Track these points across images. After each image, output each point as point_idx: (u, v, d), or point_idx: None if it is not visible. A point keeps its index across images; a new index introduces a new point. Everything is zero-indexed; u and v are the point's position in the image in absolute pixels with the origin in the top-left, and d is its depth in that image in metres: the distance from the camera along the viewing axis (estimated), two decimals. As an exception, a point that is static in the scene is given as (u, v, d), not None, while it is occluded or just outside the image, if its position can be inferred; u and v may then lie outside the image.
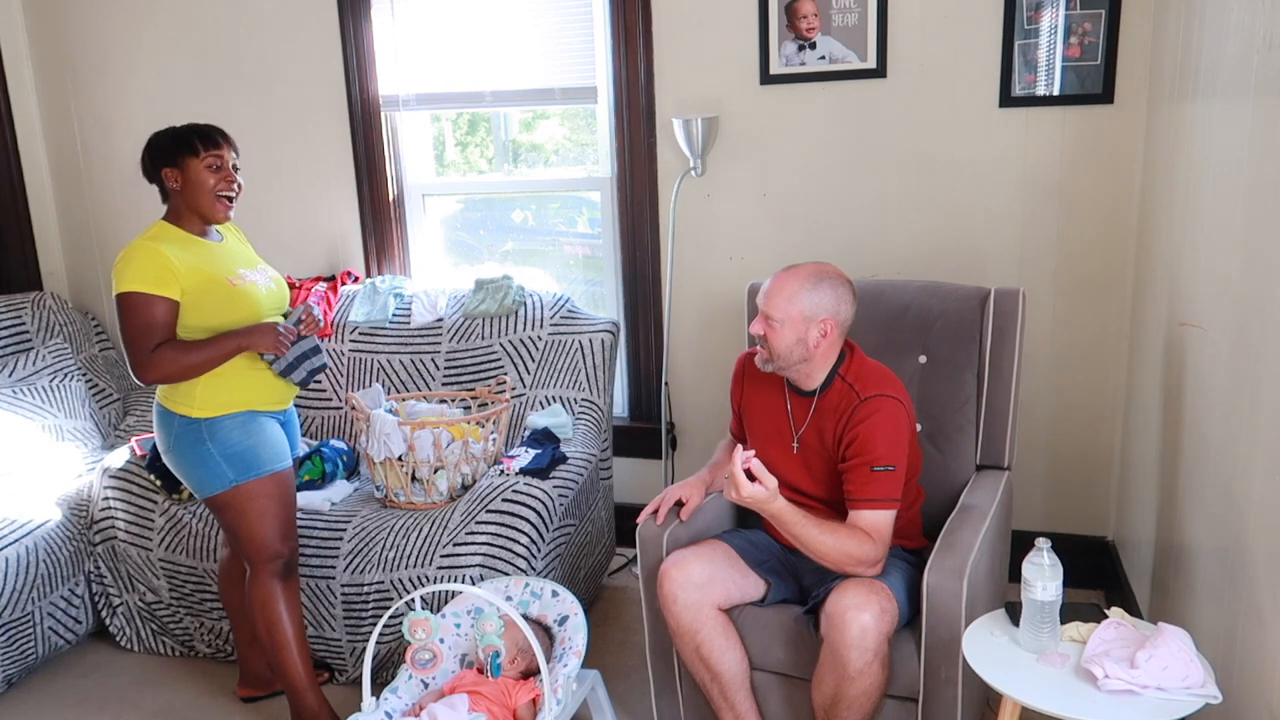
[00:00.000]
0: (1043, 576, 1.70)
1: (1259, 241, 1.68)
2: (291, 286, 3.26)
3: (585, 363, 3.09)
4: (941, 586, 1.95)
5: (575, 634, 2.22)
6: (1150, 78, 2.71)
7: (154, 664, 2.94)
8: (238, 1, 3.43)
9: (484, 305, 3.18)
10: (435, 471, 2.75)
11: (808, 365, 2.13)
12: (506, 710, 2.11)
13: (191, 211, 2.32)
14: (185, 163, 2.28)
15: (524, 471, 2.68)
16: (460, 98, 3.39)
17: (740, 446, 2.03)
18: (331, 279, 3.46)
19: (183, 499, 2.84)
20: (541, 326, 3.14)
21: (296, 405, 2.74)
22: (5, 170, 3.65)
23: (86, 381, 3.42)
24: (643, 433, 3.40)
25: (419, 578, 2.57)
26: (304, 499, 2.74)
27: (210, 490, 2.33)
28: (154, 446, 2.85)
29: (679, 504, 2.30)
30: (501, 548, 2.53)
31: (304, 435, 3.19)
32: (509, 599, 2.33)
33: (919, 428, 2.45)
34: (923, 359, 2.50)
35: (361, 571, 2.62)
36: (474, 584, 2.44)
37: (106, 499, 2.90)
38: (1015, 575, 1.83)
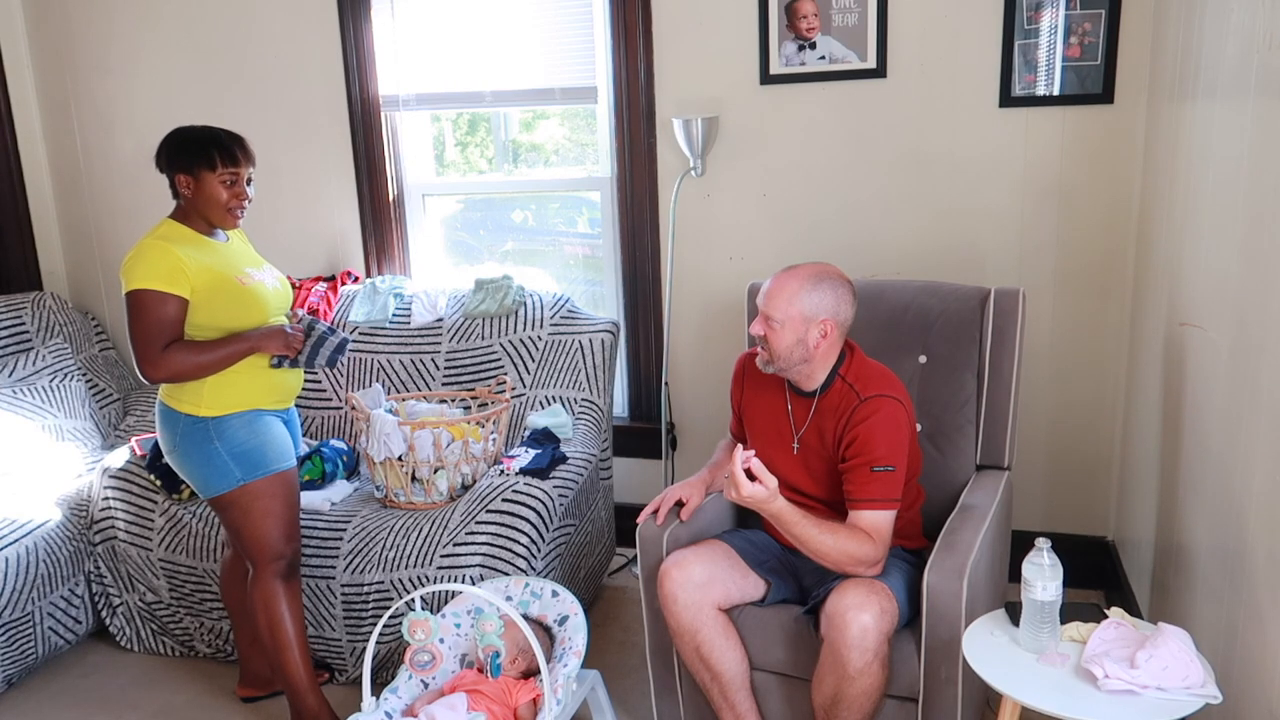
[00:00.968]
0: (1043, 576, 1.70)
1: (1259, 241, 1.68)
2: (292, 286, 3.26)
3: (585, 363, 3.09)
4: (941, 586, 1.95)
5: (575, 634, 2.22)
6: (1150, 78, 2.71)
7: (154, 664, 2.94)
8: (238, 2, 3.43)
9: (484, 305, 3.18)
10: (435, 471, 2.75)
11: (808, 366, 2.13)
12: (507, 710, 2.11)
13: (198, 216, 2.32)
14: (201, 174, 2.27)
15: (524, 471, 2.68)
16: (460, 98, 3.39)
17: (740, 446, 2.03)
18: (331, 279, 3.46)
19: (183, 499, 2.84)
20: (541, 326, 3.14)
21: (297, 405, 2.74)
22: (5, 170, 3.65)
23: (86, 381, 3.42)
24: (643, 433, 3.40)
25: (419, 578, 2.57)
26: (304, 499, 2.73)
27: (217, 489, 2.33)
28: (154, 446, 2.85)
29: (679, 504, 2.30)
30: (501, 548, 2.53)
31: (304, 435, 3.19)
32: (509, 599, 2.33)
33: (919, 428, 2.45)
34: (923, 359, 2.50)
35: (361, 571, 2.62)
36: (474, 584, 2.44)
37: (106, 499, 2.90)
38: (1015, 575, 1.83)
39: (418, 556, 2.58)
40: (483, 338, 3.18)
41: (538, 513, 2.58)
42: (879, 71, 2.92)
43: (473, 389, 3.08)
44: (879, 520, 2.04)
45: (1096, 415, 2.99)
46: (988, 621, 1.86)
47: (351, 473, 3.05)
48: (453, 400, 3.04)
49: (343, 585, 2.64)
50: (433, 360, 3.21)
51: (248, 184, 2.33)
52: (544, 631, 2.29)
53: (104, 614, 2.99)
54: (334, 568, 2.64)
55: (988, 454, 2.47)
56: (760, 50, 3.00)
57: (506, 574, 2.50)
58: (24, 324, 3.36)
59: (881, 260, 3.02)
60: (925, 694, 2.03)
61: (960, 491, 2.36)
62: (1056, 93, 2.80)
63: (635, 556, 2.35)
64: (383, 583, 2.60)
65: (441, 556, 2.56)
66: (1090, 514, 3.06)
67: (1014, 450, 2.49)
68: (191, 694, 2.79)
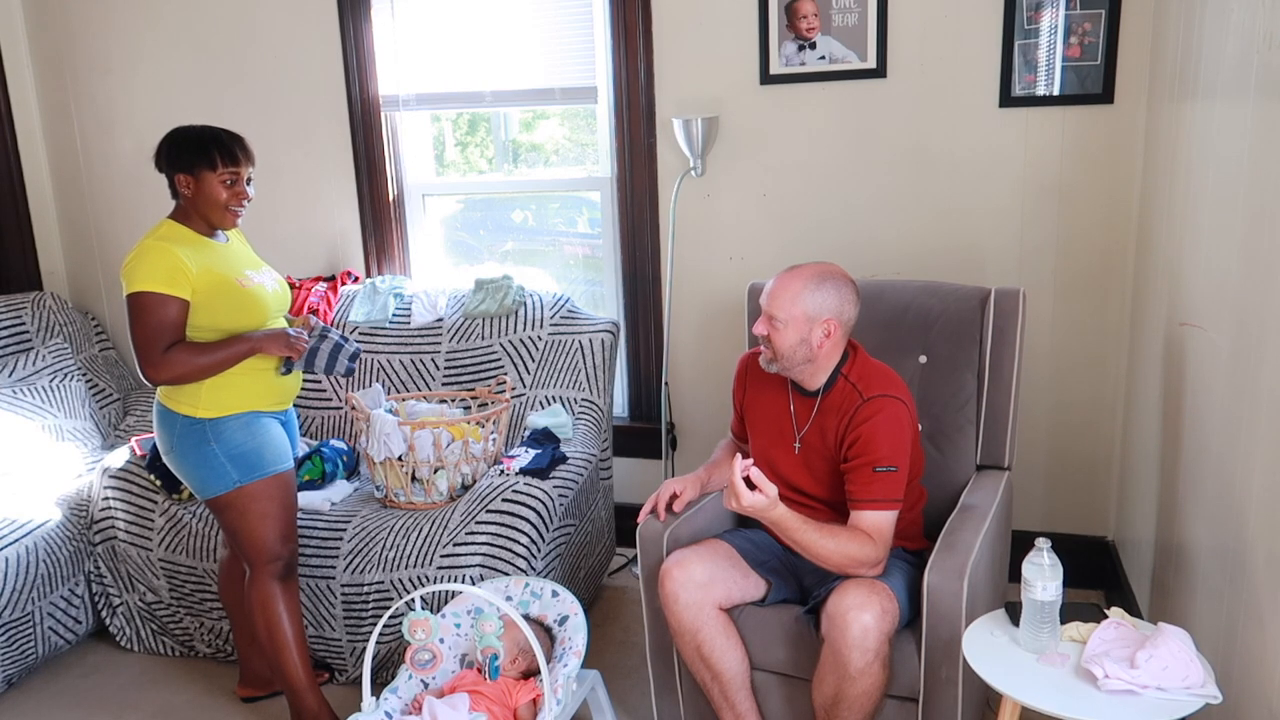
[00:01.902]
0: (1043, 576, 1.70)
1: (1259, 241, 1.68)
2: (291, 286, 3.26)
3: (585, 363, 3.09)
4: (942, 586, 1.95)
5: (575, 634, 2.22)
6: (1150, 78, 2.71)
7: (154, 664, 2.94)
8: (238, 2, 3.43)
9: (484, 305, 3.18)
10: (435, 471, 2.75)
11: (811, 365, 2.13)
12: (507, 710, 2.11)
13: (198, 216, 2.32)
14: (201, 174, 2.27)
15: (524, 471, 2.68)
16: (460, 98, 3.39)
17: (739, 455, 2.03)
18: (331, 279, 3.46)
19: (183, 499, 2.84)
20: (541, 326, 3.14)
21: (296, 405, 2.74)
22: (5, 170, 3.65)
23: (86, 381, 3.42)
24: (643, 433, 3.40)
25: (419, 578, 2.57)
26: (304, 499, 2.74)
27: (213, 491, 2.33)
28: (154, 446, 2.85)
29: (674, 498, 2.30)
30: (501, 548, 2.53)
31: (304, 435, 3.19)
32: (509, 599, 2.33)
33: (920, 428, 2.45)
34: (923, 359, 2.50)
35: (361, 571, 2.62)
36: (474, 584, 2.44)
37: (106, 499, 2.90)
38: (1015, 575, 1.83)
39: (418, 556, 2.58)
40: (483, 338, 3.18)
41: (538, 513, 2.58)
42: (879, 71, 2.92)
43: (473, 389, 3.08)
44: (881, 520, 2.04)
45: (1096, 415, 2.99)
46: (988, 621, 1.86)
47: (351, 473, 3.05)
48: (453, 400, 3.04)
49: (343, 585, 2.64)
50: (433, 360, 3.21)
51: (248, 184, 2.33)
52: (544, 631, 2.29)
53: (104, 614, 2.99)
54: (334, 568, 2.64)
55: (988, 454, 2.47)
56: (760, 50, 3.00)
57: (506, 574, 2.50)
58: (24, 324, 3.36)
59: (881, 260, 3.02)
60: (925, 694, 2.03)
61: (960, 491, 2.36)
62: (1056, 93, 2.80)
63: (635, 556, 2.35)
64: (383, 583, 2.60)
65: (441, 556, 2.56)
66: (1090, 514, 3.06)
67: (1014, 450, 2.49)
68: (191, 694, 2.79)
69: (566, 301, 3.19)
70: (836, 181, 3.05)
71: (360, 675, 2.50)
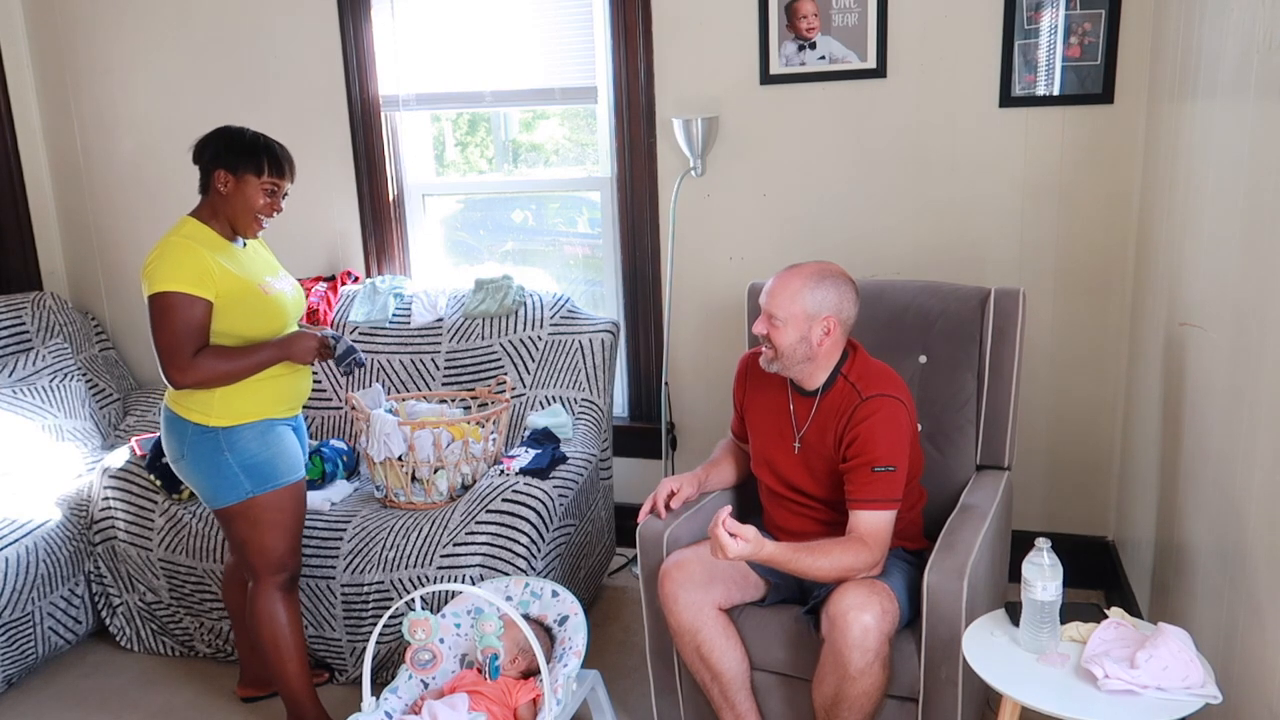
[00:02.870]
0: (1043, 576, 1.70)
1: (1259, 241, 1.68)
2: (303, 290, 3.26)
3: (585, 363, 3.09)
4: (941, 586, 1.95)
5: (575, 634, 2.22)
6: (1150, 78, 2.71)
7: (154, 664, 2.94)
8: (238, 2, 3.43)
9: (484, 305, 3.18)
10: (435, 471, 2.75)
11: (811, 364, 2.13)
12: (507, 710, 2.11)
13: (225, 218, 2.26)
14: (244, 175, 2.21)
15: (524, 471, 2.68)
16: (460, 98, 3.39)
17: (721, 509, 1.96)
18: (331, 279, 3.46)
19: (183, 499, 2.84)
20: (541, 326, 3.14)
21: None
22: (5, 170, 3.65)
23: (86, 381, 3.42)
24: (643, 433, 3.40)
25: (419, 578, 2.57)
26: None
27: (224, 501, 2.28)
28: (154, 446, 2.85)
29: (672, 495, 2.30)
30: (501, 548, 2.53)
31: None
32: (509, 599, 2.33)
33: (919, 427, 2.45)
34: (923, 359, 2.50)
35: (361, 571, 2.62)
36: (474, 584, 2.44)
37: (106, 499, 2.90)
38: (1015, 575, 1.83)
39: (418, 556, 2.58)
40: (483, 338, 3.18)
41: (538, 513, 2.58)
42: (879, 71, 2.92)
43: (473, 389, 3.08)
44: (879, 521, 2.04)
45: (1096, 415, 2.99)
46: (988, 621, 1.86)
47: (351, 473, 3.05)
48: (453, 400, 3.04)
49: (343, 585, 2.64)
50: (433, 360, 3.21)
51: (283, 198, 2.30)
52: (544, 631, 2.29)
53: (104, 614, 2.99)
54: (334, 568, 2.64)
55: (988, 454, 2.47)
56: (760, 50, 3.00)
57: (506, 574, 2.50)
58: (24, 324, 3.36)
59: (881, 260, 3.02)
60: (925, 694, 2.03)
61: (960, 491, 2.36)
62: (1056, 93, 2.80)
63: (635, 556, 2.35)
64: (383, 583, 2.60)
65: (441, 556, 2.56)
66: (1090, 514, 3.06)
67: (1014, 450, 2.49)
68: (191, 694, 2.79)
69: (566, 301, 3.19)
70: (836, 181, 3.05)
71: (360, 675, 2.50)
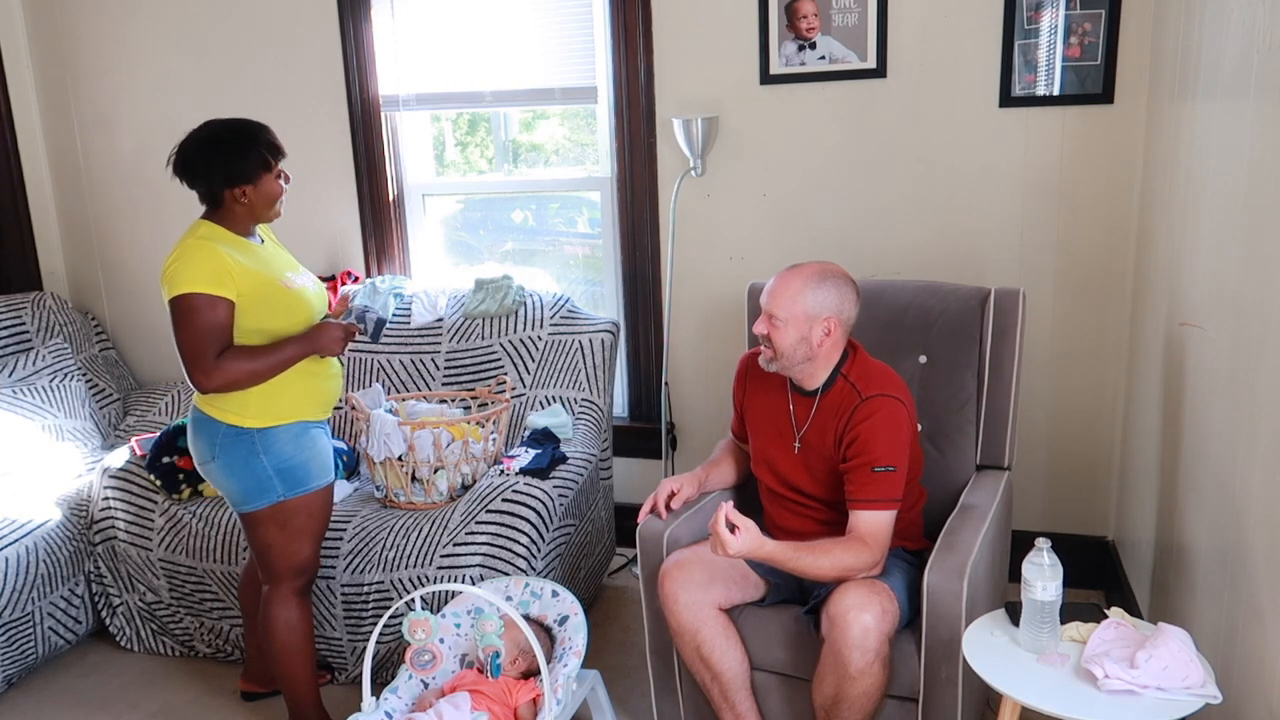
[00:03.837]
0: (1043, 576, 1.70)
1: (1259, 241, 1.68)
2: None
3: (585, 363, 3.09)
4: (941, 586, 1.95)
5: (575, 634, 2.22)
6: (1150, 78, 2.71)
7: (154, 664, 2.94)
8: (238, 2, 3.43)
9: (484, 305, 3.18)
10: (435, 471, 2.75)
11: (811, 364, 2.13)
12: (507, 710, 2.11)
13: (248, 215, 2.21)
14: (259, 178, 2.18)
15: (524, 471, 2.68)
16: (460, 98, 3.39)
17: (722, 504, 1.99)
18: (331, 279, 3.46)
19: (183, 499, 2.84)
20: (541, 326, 3.14)
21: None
22: (5, 170, 3.65)
23: (86, 381, 3.42)
24: (643, 433, 3.40)
25: (419, 578, 2.57)
26: (304, 499, 2.73)
27: (255, 504, 2.23)
28: (154, 446, 2.85)
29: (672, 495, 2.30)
30: (501, 548, 2.53)
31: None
32: (509, 599, 2.33)
33: (919, 428, 2.45)
34: (923, 359, 2.50)
35: (361, 571, 2.62)
36: (474, 584, 2.44)
37: (106, 499, 2.90)
38: (1015, 575, 1.83)
39: (418, 556, 2.58)
40: (483, 338, 3.18)
41: (538, 513, 2.58)
42: (879, 71, 2.92)
43: (473, 389, 3.08)
44: (879, 521, 2.04)
45: (1097, 415, 2.99)
46: (988, 621, 1.86)
47: (351, 473, 3.05)
48: (453, 400, 3.04)
49: (343, 585, 2.64)
50: (433, 360, 3.21)
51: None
52: (544, 631, 2.29)
53: (104, 614, 2.99)
54: (334, 568, 2.64)
55: (988, 454, 2.47)
56: (760, 50, 3.00)
57: (506, 574, 2.50)
58: (24, 324, 3.36)
59: (881, 260, 3.02)
60: (925, 694, 2.03)
61: (960, 491, 2.36)
62: (1056, 93, 2.80)
63: (635, 556, 2.35)
64: (383, 583, 2.60)
65: (441, 556, 2.56)
66: (1090, 514, 3.06)
67: (1014, 450, 2.49)
68: (191, 694, 2.79)
69: (566, 301, 3.19)
70: (836, 181, 3.05)
71: (360, 675, 2.50)
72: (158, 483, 2.85)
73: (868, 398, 2.09)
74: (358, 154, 3.44)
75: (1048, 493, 3.07)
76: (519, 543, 2.54)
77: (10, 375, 3.20)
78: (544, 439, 2.85)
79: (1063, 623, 1.76)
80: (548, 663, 2.15)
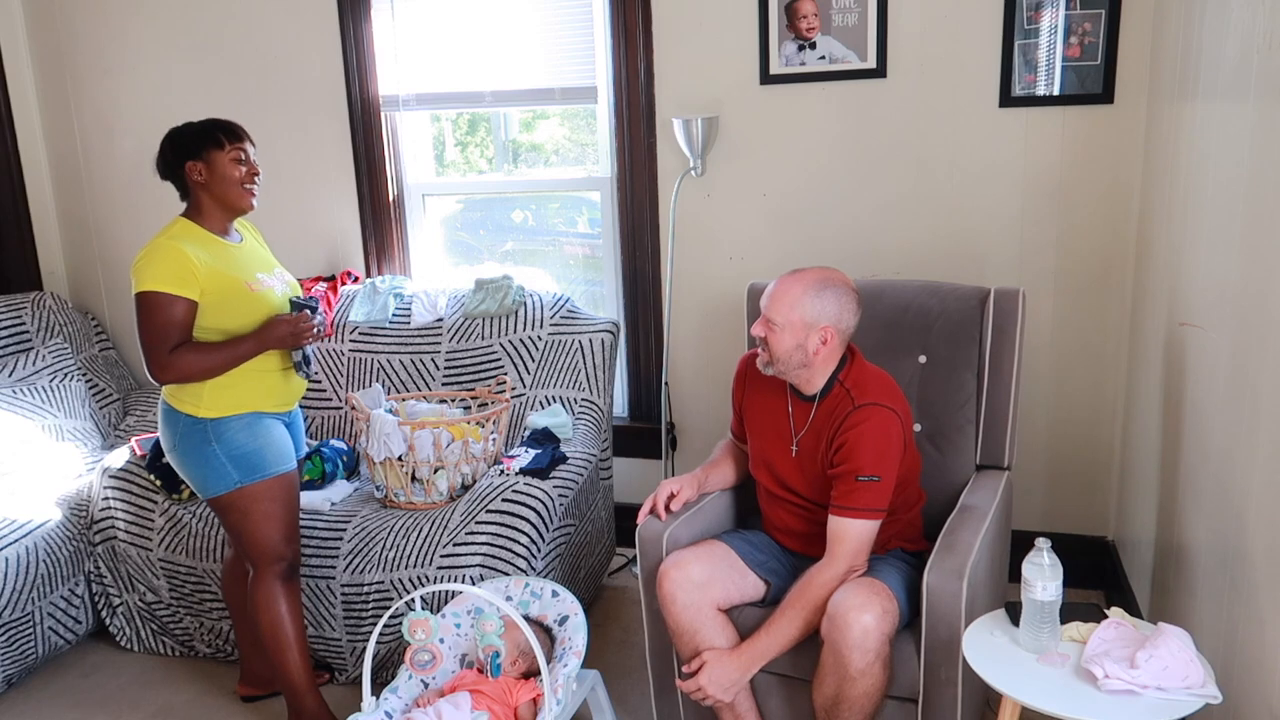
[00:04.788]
0: (1043, 576, 1.70)
1: (1259, 241, 1.68)
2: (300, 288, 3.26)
3: (585, 363, 3.09)
4: (941, 587, 1.95)
5: (575, 634, 2.22)
6: (1150, 78, 2.71)
7: (154, 664, 2.94)
8: (238, 2, 3.44)
9: (484, 305, 3.18)
10: (435, 471, 2.75)
11: (807, 370, 2.13)
12: (508, 710, 2.11)
13: (217, 204, 2.31)
14: (210, 155, 2.27)
15: (524, 471, 2.68)
16: (460, 98, 3.39)
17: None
18: (331, 279, 3.47)
19: (183, 499, 2.84)
20: (541, 326, 3.14)
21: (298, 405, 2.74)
22: (5, 170, 3.65)
23: (86, 381, 3.42)
24: (643, 433, 3.40)
25: (419, 578, 2.57)
26: (304, 499, 2.73)
27: (214, 491, 2.33)
28: (154, 446, 2.85)
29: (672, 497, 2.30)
30: (501, 548, 2.53)
31: (305, 435, 3.19)
32: (509, 599, 2.33)
33: (919, 428, 2.45)
34: (923, 359, 2.50)
35: (361, 571, 2.62)
36: (474, 584, 2.44)
37: (106, 499, 2.90)
38: (1015, 575, 1.83)
39: (418, 556, 2.58)
40: (483, 338, 3.18)
41: (538, 513, 2.58)
42: (879, 71, 2.92)
43: (473, 389, 3.08)
44: (856, 529, 2.04)
45: (1096, 415, 2.99)
46: (988, 621, 1.86)
47: (351, 473, 3.05)
48: (453, 400, 3.04)
49: (343, 585, 2.64)
50: (433, 360, 3.21)
51: (254, 161, 2.34)
52: (544, 631, 2.29)
53: (104, 614, 2.99)
54: (334, 568, 2.64)
55: (988, 454, 2.47)
56: (760, 50, 3.00)
57: (506, 574, 2.50)
58: (24, 324, 3.36)
59: (881, 260, 3.02)
60: (925, 694, 2.03)
61: (960, 491, 2.36)
62: (1056, 93, 2.80)
63: (635, 556, 2.35)
64: (383, 583, 2.60)
65: (441, 556, 2.56)
66: (1090, 514, 3.06)
67: (1014, 450, 2.49)
68: (191, 694, 2.79)
69: (566, 301, 3.19)
70: (836, 181, 3.05)
71: (360, 675, 2.50)
72: (158, 483, 2.85)
73: (860, 405, 2.08)
74: (358, 154, 3.44)
75: (1048, 493, 3.07)
76: (519, 543, 2.54)
77: (10, 375, 3.20)
78: (544, 439, 2.85)
79: (1063, 623, 1.76)
80: (548, 663, 2.15)
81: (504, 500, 2.59)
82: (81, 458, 3.19)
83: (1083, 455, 3.02)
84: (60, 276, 3.86)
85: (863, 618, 1.91)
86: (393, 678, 2.25)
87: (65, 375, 3.34)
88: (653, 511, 2.28)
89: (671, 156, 3.16)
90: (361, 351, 3.26)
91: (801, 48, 2.97)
